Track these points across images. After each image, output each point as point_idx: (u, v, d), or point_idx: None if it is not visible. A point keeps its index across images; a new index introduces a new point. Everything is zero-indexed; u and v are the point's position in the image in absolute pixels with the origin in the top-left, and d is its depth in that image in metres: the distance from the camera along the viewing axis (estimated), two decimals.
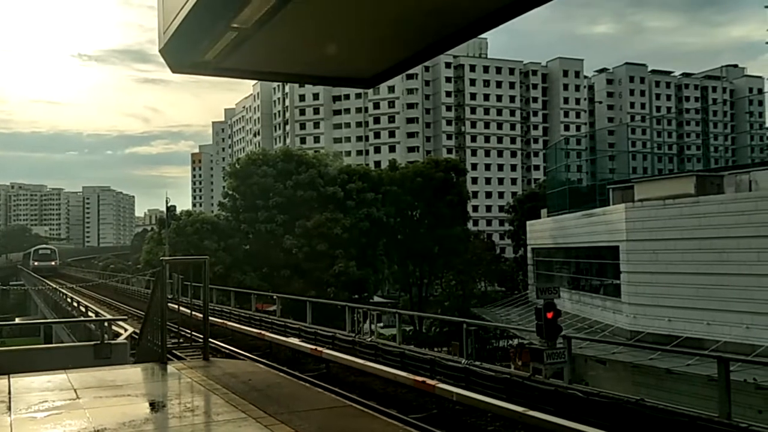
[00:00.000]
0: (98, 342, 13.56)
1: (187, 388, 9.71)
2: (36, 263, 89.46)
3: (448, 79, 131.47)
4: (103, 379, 9.96)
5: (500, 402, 12.73)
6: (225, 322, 28.07)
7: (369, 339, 20.20)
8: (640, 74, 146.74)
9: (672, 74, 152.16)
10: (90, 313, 25.84)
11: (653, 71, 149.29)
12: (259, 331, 25.09)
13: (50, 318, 42.67)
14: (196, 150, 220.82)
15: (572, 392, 13.08)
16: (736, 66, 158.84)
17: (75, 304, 31.36)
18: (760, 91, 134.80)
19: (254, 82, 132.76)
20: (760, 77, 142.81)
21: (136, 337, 15.20)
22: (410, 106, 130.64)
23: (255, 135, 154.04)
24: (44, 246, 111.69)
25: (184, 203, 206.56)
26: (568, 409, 12.29)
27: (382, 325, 25.31)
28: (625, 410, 11.99)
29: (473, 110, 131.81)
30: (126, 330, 16.89)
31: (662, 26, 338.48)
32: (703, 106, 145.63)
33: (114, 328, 16.38)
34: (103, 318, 18.71)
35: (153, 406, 8.47)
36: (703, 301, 25.76)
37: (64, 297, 37.53)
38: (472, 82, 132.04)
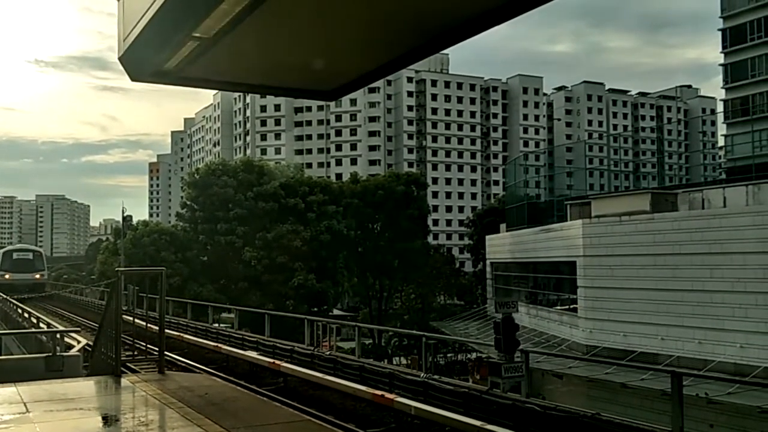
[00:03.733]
0: (50, 354, 13.25)
1: (141, 402, 9.52)
2: (7, 276, 56.33)
3: (409, 94, 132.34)
4: (54, 393, 9.72)
5: (458, 416, 12.74)
6: (181, 334, 27.62)
7: (328, 352, 20.07)
8: (598, 93, 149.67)
9: (629, 93, 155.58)
10: (42, 325, 25.13)
11: (610, 90, 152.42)
12: (215, 344, 24.76)
13: None
14: (154, 159, 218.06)
15: (530, 406, 13.16)
16: (690, 86, 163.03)
17: (26, 315, 30.50)
18: (713, 112, 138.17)
19: (215, 91, 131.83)
20: (712, 98, 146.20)
21: (90, 349, 14.88)
22: (372, 119, 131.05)
23: (215, 145, 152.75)
24: (23, 247, 74.78)
25: (140, 213, 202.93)
26: (525, 423, 12.37)
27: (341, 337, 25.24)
28: (581, 424, 12.10)
29: (434, 125, 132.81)
30: (79, 342, 16.50)
31: (620, 46, 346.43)
32: (659, 125, 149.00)
33: (66, 339, 16.00)
34: (55, 329, 18.24)
35: (106, 420, 8.29)
36: (657, 317, 26.24)
37: (15, 307, 36.53)
38: (434, 97, 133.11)
